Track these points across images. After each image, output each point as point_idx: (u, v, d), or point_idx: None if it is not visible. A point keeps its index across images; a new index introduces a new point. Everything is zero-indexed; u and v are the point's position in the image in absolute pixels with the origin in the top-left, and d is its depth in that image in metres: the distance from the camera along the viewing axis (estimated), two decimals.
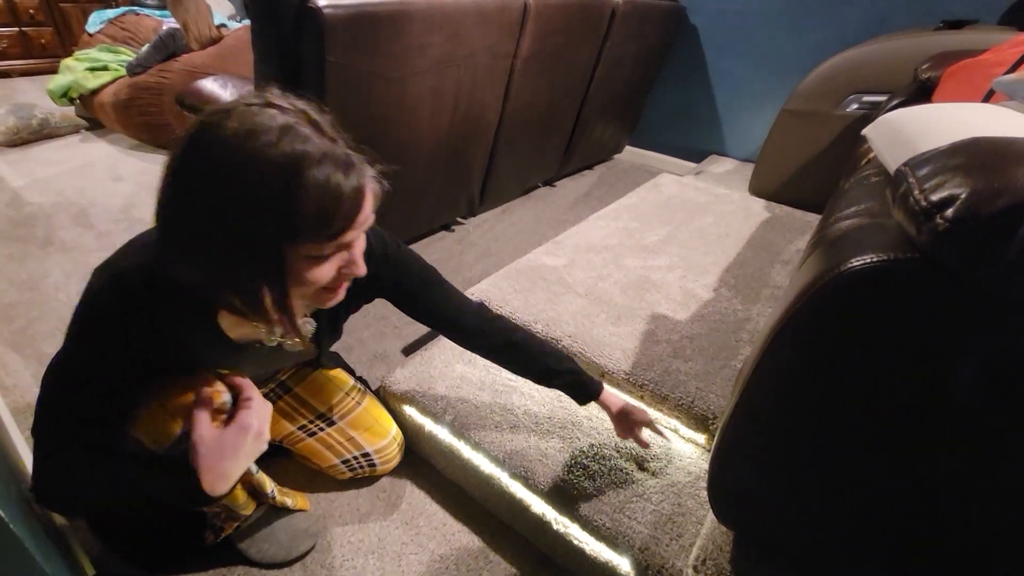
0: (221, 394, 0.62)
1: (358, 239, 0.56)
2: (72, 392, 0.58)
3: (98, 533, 0.81)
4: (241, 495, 0.76)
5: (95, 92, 2.41)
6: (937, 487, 0.51)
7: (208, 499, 0.59)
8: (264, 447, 0.63)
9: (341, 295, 0.59)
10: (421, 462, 1.04)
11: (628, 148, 2.89)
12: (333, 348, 1.08)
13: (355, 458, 0.93)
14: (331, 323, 0.79)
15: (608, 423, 0.97)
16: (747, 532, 0.72)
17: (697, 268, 1.37)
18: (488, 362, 1.09)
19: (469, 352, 1.11)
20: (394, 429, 0.98)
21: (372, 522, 0.93)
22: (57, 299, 1.41)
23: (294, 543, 0.86)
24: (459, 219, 1.99)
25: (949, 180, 0.40)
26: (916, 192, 0.41)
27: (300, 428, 0.93)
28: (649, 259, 1.39)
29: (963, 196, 0.37)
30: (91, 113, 2.52)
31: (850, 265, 0.46)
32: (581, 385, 0.86)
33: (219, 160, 0.47)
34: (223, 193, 0.47)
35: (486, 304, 0.91)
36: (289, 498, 0.85)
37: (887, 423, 0.51)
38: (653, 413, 0.99)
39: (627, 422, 0.85)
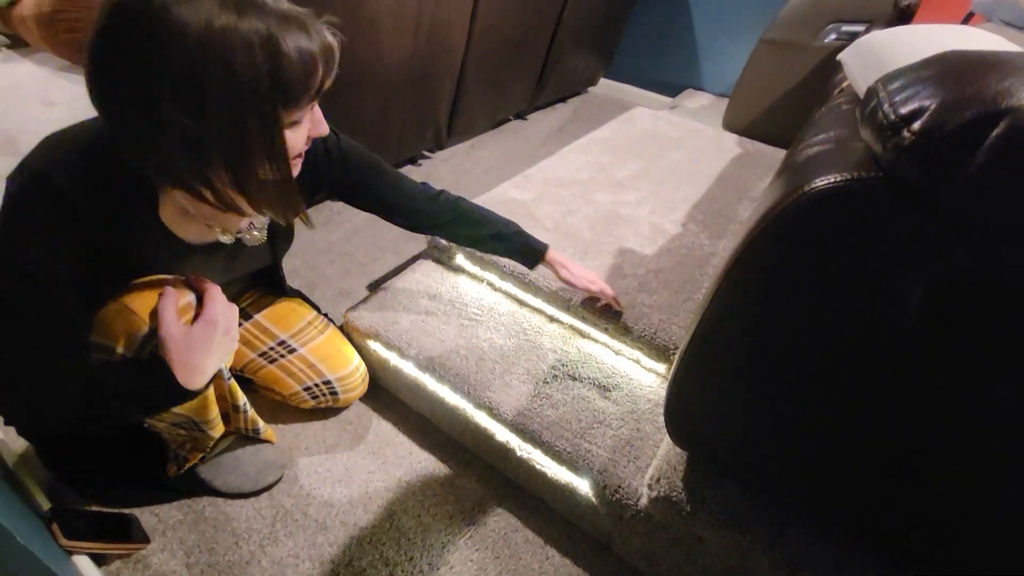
0: (185, 294, 0.60)
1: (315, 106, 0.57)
2: (14, 295, 0.54)
3: (53, 469, 0.79)
4: (213, 409, 0.72)
5: (13, 2, 2.14)
6: (890, 410, 0.53)
7: (186, 394, 0.59)
8: (234, 345, 0.63)
9: (296, 168, 0.59)
10: (387, 395, 1.04)
11: (603, 81, 2.79)
12: (297, 287, 1.04)
13: (316, 385, 0.93)
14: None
15: (571, 353, 0.99)
16: (700, 453, 0.75)
17: (667, 203, 1.36)
18: (453, 295, 1.09)
19: (434, 286, 1.10)
20: (356, 359, 0.97)
21: (339, 453, 0.94)
22: None
23: (261, 474, 0.86)
24: (425, 152, 1.91)
25: (920, 92, 0.38)
26: (886, 106, 0.40)
27: (260, 355, 0.91)
28: (619, 194, 1.37)
29: (932, 107, 0.36)
30: (11, 28, 2.25)
31: (813, 186, 0.45)
32: (529, 249, 0.93)
33: (186, 45, 0.43)
34: (197, 79, 0.45)
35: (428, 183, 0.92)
36: (260, 423, 0.84)
37: (842, 346, 0.52)
38: (616, 344, 1.00)
39: (572, 281, 0.92)
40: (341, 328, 1.03)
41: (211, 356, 0.59)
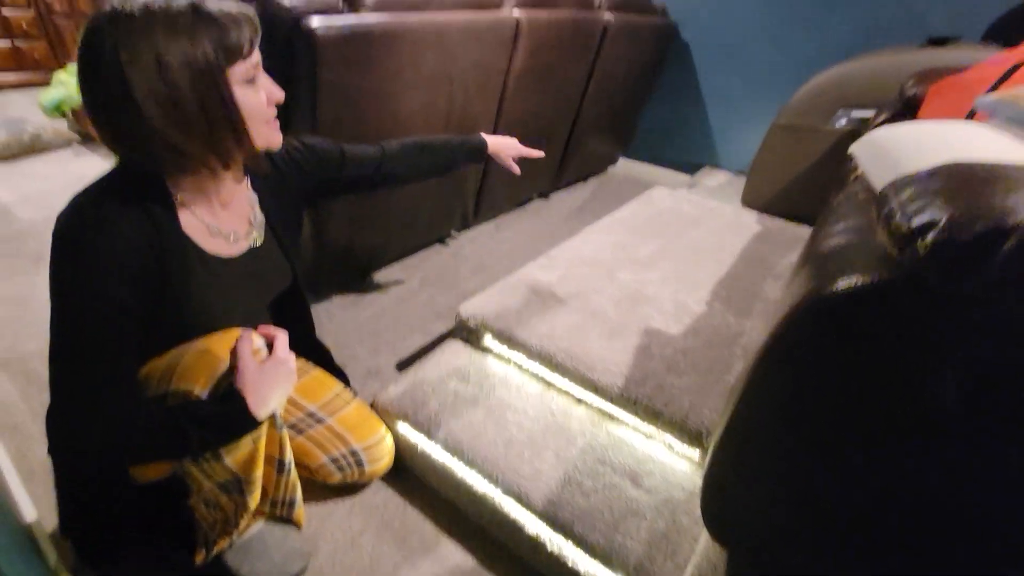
0: (257, 339, 0.70)
1: (263, 72, 0.68)
2: (75, 330, 0.61)
3: (81, 551, 0.80)
4: (259, 465, 0.74)
5: (75, 109, 2.41)
6: (933, 496, 0.52)
7: (252, 422, 0.66)
8: (293, 382, 0.72)
9: (279, 133, 0.72)
10: (415, 481, 1.03)
11: (623, 160, 2.92)
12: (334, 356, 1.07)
13: (343, 456, 0.93)
14: (280, 212, 0.85)
15: (601, 437, 0.98)
16: (742, 550, 0.72)
17: (690, 281, 1.38)
18: (481, 377, 1.11)
19: (463, 367, 1.12)
20: (383, 429, 0.99)
21: (364, 540, 0.92)
22: (45, 317, 1.40)
23: (286, 562, 0.85)
24: (453, 232, 1.99)
25: (929, 205, 0.40)
26: (898, 216, 0.42)
27: (290, 426, 0.93)
28: (642, 272, 1.40)
29: (942, 222, 0.38)
30: (83, 127, 2.52)
31: (837, 285, 0.47)
32: (475, 149, 1.14)
33: (136, 34, 0.56)
34: (157, 55, 0.56)
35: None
36: (299, 491, 0.85)
37: (879, 438, 0.51)
38: (647, 428, 0.99)
39: (503, 157, 1.17)
40: (371, 407, 1.05)
41: (276, 391, 0.68)
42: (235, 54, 0.62)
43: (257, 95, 0.66)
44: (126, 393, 0.64)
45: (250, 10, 0.64)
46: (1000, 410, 0.44)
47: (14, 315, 1.39)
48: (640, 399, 0.97)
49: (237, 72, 0.63)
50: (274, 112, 0.70)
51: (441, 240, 1.94)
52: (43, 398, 1.15)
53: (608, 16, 1.90)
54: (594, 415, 1.03)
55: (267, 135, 0.70)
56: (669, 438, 0.96)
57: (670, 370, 1.04)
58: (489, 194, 1.95)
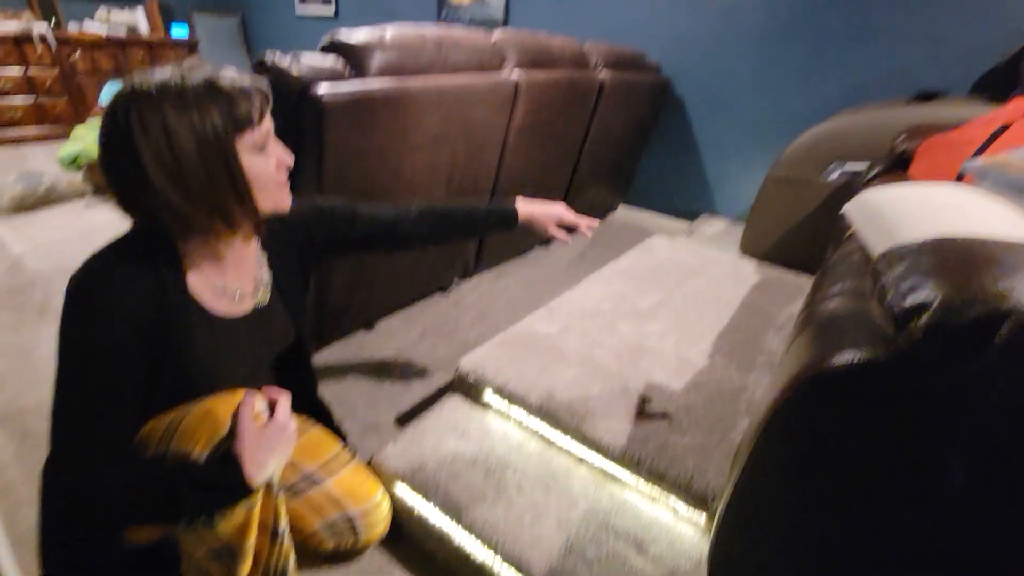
0: (259, 402, 0.69)
1: (274, 139, 0.70)
2: (78, 386, 0.62)
3: None
4: (253, 533, 0.71)
5: (90, 164, 2.49)
6: (941, 563, 0.50)
7: (246, 489, 0.64)
8: (291, 449, 0.71)
9: (288, 196, 0.74)
10: (412, 547, 1.00)
11: (622, 208, 2.97)
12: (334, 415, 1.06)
13: (339, 522, 0.90)
14: (287, 271, 0.86)
15: (604, 500, 0.95)
16: None
17: (691, 333, 1.37)
18: (481, 434, 1.09)
19: (462, 423, 1.10)
20: (381, 492, 0.96)
21: None
22: (47, 371, 1.40)
23: None
24: (455, 281, 2.01)
25: (920, 285, 0.41)
26: (891, 294, 0.42)
27: (286, 488, 0.90)
28: (643, 324, 1.40)
29: (935, 305, 0.38)
30: (97, 179, 2.59)
31: (834, 360, 0.46)
32: (503, 216, 1.06)
33: (147, 108, 0.59)
34: (165, 127, 0.59)
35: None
36: (292, 559, 0.81)
37: (885, 509, 0.50)
38: (650, 491, 0.96)
39: (542, 224, 1.09)
40: (368, 465, 1.03)
41: (274, 457, 0.67)
42: (244, 125, 0.64)
43: (267, 162, 0.69)
44: (123, 452, 0.64)
45: (262, 81, 0.68)
46: (1009, 486, 0.43)
47: (16, 369, 1.39)
48: (643, 459, 0.95)
49: (246, 141, 0.65)
50: (284, 176, 0.73)
51: (442, 289, 1.95)
52: (38, 457, 1.13)
53: (604, 75, 1.97)
54: (596, 476, 1.01)
55: (275, 199, 0.72)
56: (674, 501, 0.93)
57: (673, 428, 1.02)
58: (490, 246, 1.98)
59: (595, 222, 1.13)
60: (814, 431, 0.51)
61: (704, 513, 0.90)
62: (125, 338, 0.63)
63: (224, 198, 0.66)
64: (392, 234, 0.99)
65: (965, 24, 1.86)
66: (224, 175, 0.64)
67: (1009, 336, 0.34)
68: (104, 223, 2.32)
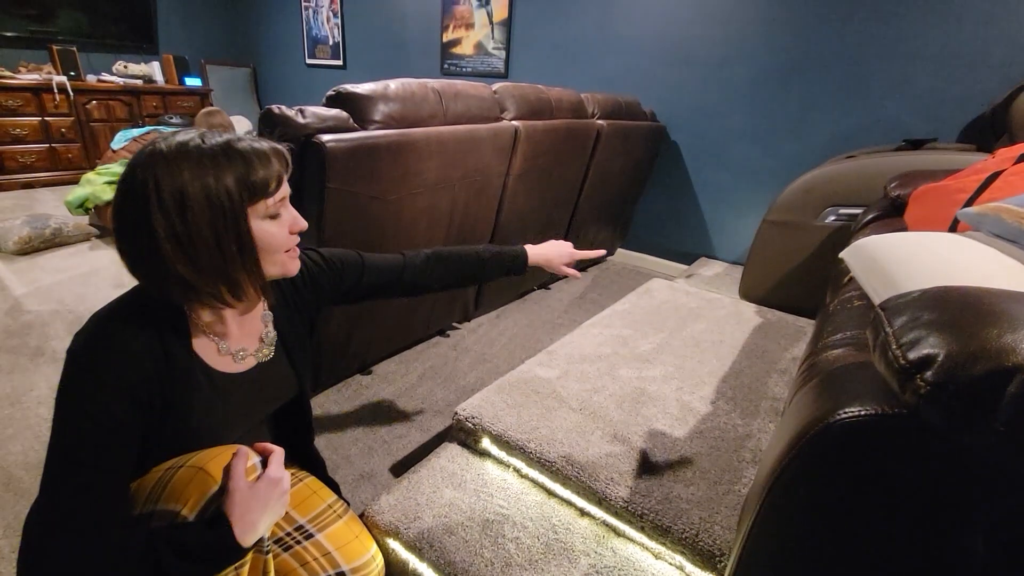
0: (253, 457, 0.67)
1: (288, 205, 0.68)
2: (70, 445, 0.60)
3: None
4: None
5: (111, 203, 2.54)
6: None
7: (238, 550, 0.62)
8: (283, 510, 0.69)
9: (297, 262, 0.72)
10: None
11: (621, 250, 2.99)
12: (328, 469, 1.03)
13: None
14: (293, 327, 0.83)
15: (607, 557, 0.91)
16: None
17: (693, 378, 1.35)
18: (478, 484, 1.05)
19: (459, 473, 1.07)
20: (373, 548, 0.91)
21: None
22: (37, 414, 1.37)
23: None
24: (454, 324, 2.00)
25: (924, 338, 0.40)
26: (894, 347, 0.41)
27: (276, 541, 0.86)
28: (644, 369, 1.38)
29: (940, 359, 0.37)
30: (104, 222, 2.63)
31: (839, 416, 0.45)
32: (512, 260, 1.05)
33: (164, 170, 0.58)
34: (180, 192, 0.58)
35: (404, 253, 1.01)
36: None
37: (910, 568, 0.47)
38: (655, 547, 0.92)
39: (554, 265, 1.09)
40: (361, 518, 0.99)
41: (266, 514, 0.65)
42: (258, 192, 0.63)
43: (279, 229, 0.67)
44: (109, 521, 0.60)
45: (283, 147, 0.67)
46: None
47: (5, 414, 1.36)
48: (647, 513, 0.91)
49: (259, 209, 0.64)
50: (295, 241, 0.71)
51: (442, 332, 1.94)
52: (19, 508, 1.09)
53: (601, 122, 2.03)
54: (599, 529, 0.97)
55: (283, 264, 0.70)
56: (680, 559, 0.89)
57: (677, 479, 0.98)
58: (490, 288, 1.98)
59: (602, 252, 1.17)
60: (824, 489, 0.49)
61: (712, 574, 0.86)
62: (122, 410, 0.61)
63: (231, 266, 0.64)
64: (400, 282, 0.97)
65: (951, 76, 1.93)
66: (233, 244, 0.63)
67: (1020, 392, 0.33)
68: (107, 264, 2.34)
